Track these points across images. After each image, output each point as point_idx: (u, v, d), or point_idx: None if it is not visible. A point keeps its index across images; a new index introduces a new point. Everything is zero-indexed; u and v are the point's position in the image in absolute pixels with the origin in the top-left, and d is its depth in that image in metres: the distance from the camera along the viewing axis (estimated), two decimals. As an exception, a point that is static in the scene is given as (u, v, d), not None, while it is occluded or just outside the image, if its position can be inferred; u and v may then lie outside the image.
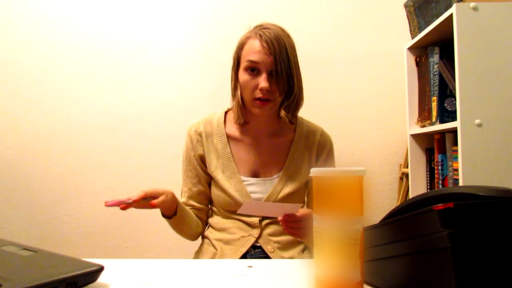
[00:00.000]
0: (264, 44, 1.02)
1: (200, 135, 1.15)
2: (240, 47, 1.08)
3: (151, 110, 1.90)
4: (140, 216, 1.87)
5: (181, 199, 1.16)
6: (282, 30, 1.07)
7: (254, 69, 1.04)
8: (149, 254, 1.86)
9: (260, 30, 1.05)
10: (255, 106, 1.06)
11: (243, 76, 1.06)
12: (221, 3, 1.91)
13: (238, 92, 1.09)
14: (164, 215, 1.09)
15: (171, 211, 1.06)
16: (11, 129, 1.89)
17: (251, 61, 1.03)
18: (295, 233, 0.96)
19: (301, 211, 0.94)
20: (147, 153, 1.89)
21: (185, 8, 1.92)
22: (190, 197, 1.16)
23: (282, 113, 1.09)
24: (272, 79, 1.04)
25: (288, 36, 1.07)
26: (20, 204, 1.88)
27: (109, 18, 1.91)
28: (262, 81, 1.02)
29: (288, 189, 1.11)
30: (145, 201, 0.96)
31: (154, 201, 0.97)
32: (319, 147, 1.17)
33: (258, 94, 1.04)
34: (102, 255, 1.83)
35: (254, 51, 1.03)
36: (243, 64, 1.06)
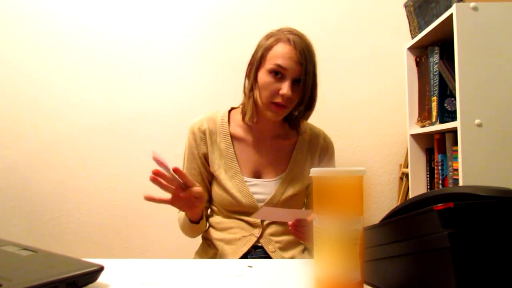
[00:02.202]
0: (297, 52, 1.00)
1: (203, 133, 1.13)
2: (267, 48, 1.04)
3: (151, 110, 1.90)
4: (140, 216, 1.87)
5: None
6: (309, 40, 1.06)
7: (278, 73, 1.02)
8: (149, 254, 1.86)
9: (291, 35, 1.02)
10: (270, 110, 1.05)
11: (265, 77, 1.03)
12: (221, 3, 1.91)
13: (256, 92, 1.07)
14: (191, 221, 1.07)
15: (199, 215, 1.05)
16: (11, 129, 1.89)
17: (279, 66, 1.01)
18: (302, 236, 0.97)
19: (313, 216, 0.94)
20: (147, 153, 1.89)
21: (185, 8, 1.92)
22: None
23: (300, 126, 1.12)
24: (294, 87, 1.03)
25: (313, 46, 1.06)
26: (20, 204, 1.88)
27: (109, 18, 1.91)
28: (285, 88, 1.00)
29: (290, 191, 1.11)
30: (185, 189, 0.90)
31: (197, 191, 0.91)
32: (322, 150, 1.18)
33: (278, 99, 1.02)
34: (102, 255, 1.83)
35: (285, 56, 1.01)
36: (268, 66, 1.02)
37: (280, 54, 1.01)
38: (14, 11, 1.90)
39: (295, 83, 1.03)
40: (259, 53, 1.06)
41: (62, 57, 1.90)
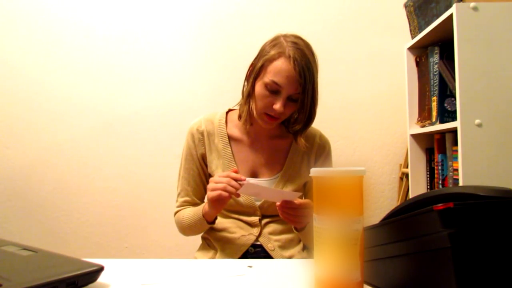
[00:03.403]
0: (296, 73, 0.99)
1: (202, 134, 1.15)
2: (269, 60, 1.02)
3: (151, 110, 1.90)
4: (140, 216, 1.87)
5: (182, 197, 1.16)
6: (312, 53, 1.05)
7: (274, 88, 1.02)
8: (149, 254, 1.86)
9: (294, 49, 1.00)
10: (262, 120, 1.07)
11: (261, 89, 1.04)
12: (220, 3, 1.91)
13: (252, 100, 1.07)
14: (208, 222, 1.08)
15: (214, 216, 1.09)
16: (11, 129, 1.89)
17: (275, 83, 1.00)
18: (291, 219, 0.97)
19: (300, 200, 0.95)
20: (147, 154, 1.89)
21: (184, 8, 1.92)
22: (194, 194, 1.16)
23: (300, 141, 1.10)
24: (289, 102, 1.04)
25: (315, 60, 1.06)
26: (20, 204, 1.88)
27: (109, 18, 1.91)
28: (278, 104, 1.01)
29: (287, 189, 1.11)
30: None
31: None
32: (318, 149, 1.18)
33: (270, 112, 1.04)
34: (102, 255, 1.83)
35: (282, 74, 1.00)
36: (266, 79, 1.02)
37: (279, 71, 1.00)
38: (14, 11, 1.90)
39: (290, 99, 1.03)
40: (260, 62, 1.05)
41: (62, 57, 1.90)
